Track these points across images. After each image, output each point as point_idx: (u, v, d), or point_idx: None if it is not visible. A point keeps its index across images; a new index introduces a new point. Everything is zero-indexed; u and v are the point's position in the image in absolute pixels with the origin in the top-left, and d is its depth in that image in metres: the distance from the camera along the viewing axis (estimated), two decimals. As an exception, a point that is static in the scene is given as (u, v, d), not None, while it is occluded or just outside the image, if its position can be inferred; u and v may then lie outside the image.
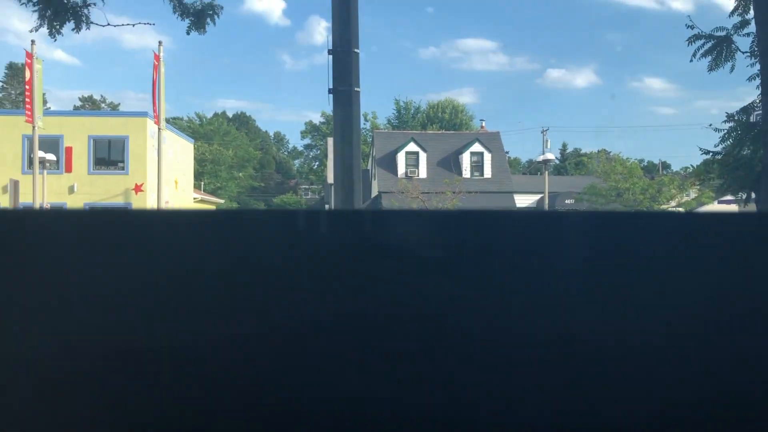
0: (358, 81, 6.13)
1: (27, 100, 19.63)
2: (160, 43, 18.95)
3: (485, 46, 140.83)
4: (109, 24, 6.12)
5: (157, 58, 20.45)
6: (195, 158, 52.83)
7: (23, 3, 5.91)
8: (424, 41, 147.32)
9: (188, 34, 6.18)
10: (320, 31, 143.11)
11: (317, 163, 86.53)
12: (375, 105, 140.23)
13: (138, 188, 33.25)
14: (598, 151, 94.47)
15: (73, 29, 6.00)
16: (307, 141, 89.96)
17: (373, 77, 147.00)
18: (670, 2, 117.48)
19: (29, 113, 19.77)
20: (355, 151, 6.33)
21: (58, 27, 5.92)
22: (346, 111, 6.11)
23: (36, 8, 5.89)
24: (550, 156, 31.12)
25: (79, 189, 32.93)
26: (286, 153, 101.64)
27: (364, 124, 74.82)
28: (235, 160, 70.36)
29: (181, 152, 41.57)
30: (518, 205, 39.46)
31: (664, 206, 31.56)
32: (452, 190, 31.26)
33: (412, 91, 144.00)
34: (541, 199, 35.15)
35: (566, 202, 39.18)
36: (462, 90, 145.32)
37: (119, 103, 72.14)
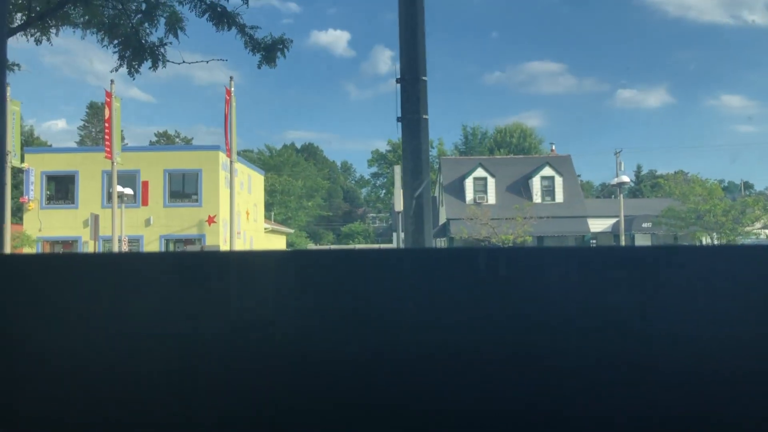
0: (426, 108, 6.00)
1: (106, 137, 20.41)
2: (231, 78, 19.44)
3: (552, 69, 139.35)
4: (184, 62, 6.27)
5: (228, 92, 20.94)
6: (265, 189, 53.88)
7: (104, 45, 6.12)
8: (490, 66, 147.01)
9: (259, 68, 6.22)
10: (384, 60, 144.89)
11: (384, 191, 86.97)
12: (442, 131, 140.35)
13: (211, 220, 34.04)
14: (675, 172, 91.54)
15: (150, 68, 6.17)
16: (373, 169, 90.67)
17: (439, 104, 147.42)
18: (746, 16, 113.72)
19: (109, 150, 20.54)
20: (424, 179, 6.17)
21: (136, 66, 6.10)
22: (414, 139, 5.98)
23: (116, 50, 6.08)
24: (624, 179, 30.17)
25: (155, 222, 33.96)
26: (353, 182, 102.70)
27: (431, 151, 74.89)
28: (304, 190, 71.48)
29: (252, 184, 42.47)
30: (592, 230, 38.45)
31: (748, 228, 30.11)
32: (523, 216, 30.71)
33: (478, 116, 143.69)
34: (617, 224, 34.15)
35: (643, 225, 37.88)
36: (529, 113, 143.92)
37: (192, 138, 74.46)
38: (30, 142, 54.97)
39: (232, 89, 20.57)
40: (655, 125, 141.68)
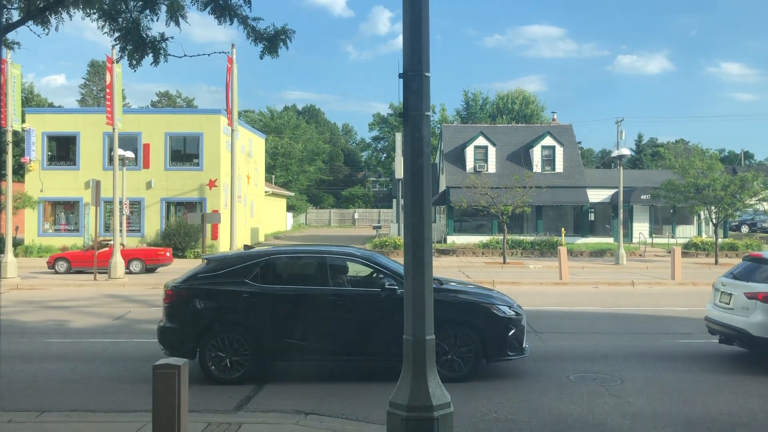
0: (429, 104, 6.08)
1: (107, 103, 20.33)
2: (233, 45, 19.28)
3: (552, 33, 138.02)
4: (185, 55, 6.26)
5: (230, 60, 20.80)
6: (267, 151, 53.76)
7: (105, 33, 6.11)
8: (489, 29, 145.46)
9: (261, 58, 6.25)
10: (384, 21, 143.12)
11: (385, 155, 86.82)
12: (441, 93, 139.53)
13: (212, 184, 34.13)
14: (676, 141, 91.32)
15: (151, 63, 6.21)
16: (374, 133, 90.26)
17: (439, 66, 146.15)
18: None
19: (110, 116, 20.49)
20: (425, 173, 6.26)
21: (137, 59, 6.15)
22: (416, 132, 6.06)
23: (117, 42, 6.11)
24: (625, 151, 30.10)
25: (156, 184, 34.05)
26: (354, 144, 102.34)
27: (433, 116, 74.59)
28: (305, 154, 71.25)
29: (253, 147, 42.42)
30: (591, 201, 38.56)
31: (748, 201, 30.30)
32: (522, 186, 30.84)
33: (478, 79, 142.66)
34: (616, 194, 34.26)
35: (642, 197, 38.00)
36: (529, 78, 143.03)
37: (194, 98, 74.13)
38: (30, 99, 54.62)
39: (234, 57, 20.44)
40: (655, 92, 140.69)
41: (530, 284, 20.34)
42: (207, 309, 9.07)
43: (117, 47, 6.24)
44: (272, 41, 6.26)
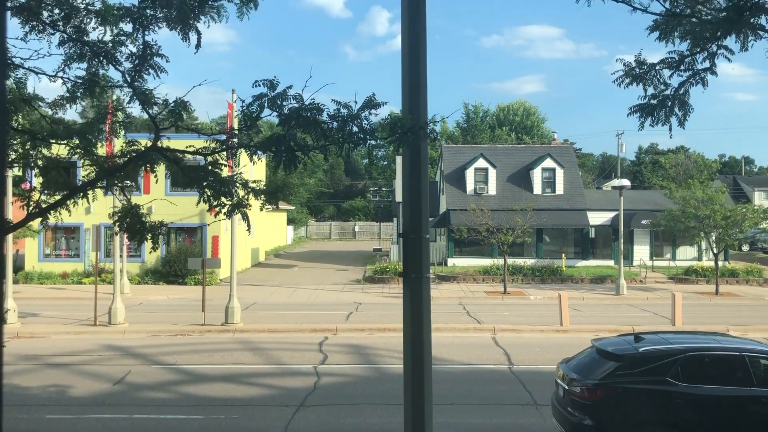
0: (428, 265, 6.07)
1: (108, 146, 20.26)
2: (233, 91, 19.21)
3: (550, 33, 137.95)
4: (183, 240, 6.26)
5: (230, 107, 20.79)
6: (267, 164, 53.54)
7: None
8: (487, 29, 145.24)
9: (261, 210, 6.27)
10: (382, 21, 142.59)
11: (385, 162, 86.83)
12: (439, 95, 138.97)
13: (213, 209, 34.04)
14: (676, 148, 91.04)
15: (150, 251, 6.31)
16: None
17: (437, 67, 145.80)
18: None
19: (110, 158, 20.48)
20: (425, 330, 6.25)
21: (137, 241, 6.27)
22: (416, 295, 6.06)
23: (117, 224, 6.21)
24: (625, 182, 30.22)
25: (156, 210, 33.87)
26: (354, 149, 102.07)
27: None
28: (305, 168, 70.84)
29: (253, 166, 42.33)
30: (592, 223, 38.57)
31: (748, 231, 30.38)
32: (521, 207, 31.00)
33: (476, 79, 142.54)
34: (616, 217, 34.29)
35: (642, 222, 38.02)
36: (527, 78, 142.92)
37: (195, 110, 73.92)
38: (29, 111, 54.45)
39: (234, 102, 20.38)
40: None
41: (530, 332, 20.32)
42: (634, 409, 9.04)
43: (117, 226, 6.35)
44: (272, 195, 6.31)
